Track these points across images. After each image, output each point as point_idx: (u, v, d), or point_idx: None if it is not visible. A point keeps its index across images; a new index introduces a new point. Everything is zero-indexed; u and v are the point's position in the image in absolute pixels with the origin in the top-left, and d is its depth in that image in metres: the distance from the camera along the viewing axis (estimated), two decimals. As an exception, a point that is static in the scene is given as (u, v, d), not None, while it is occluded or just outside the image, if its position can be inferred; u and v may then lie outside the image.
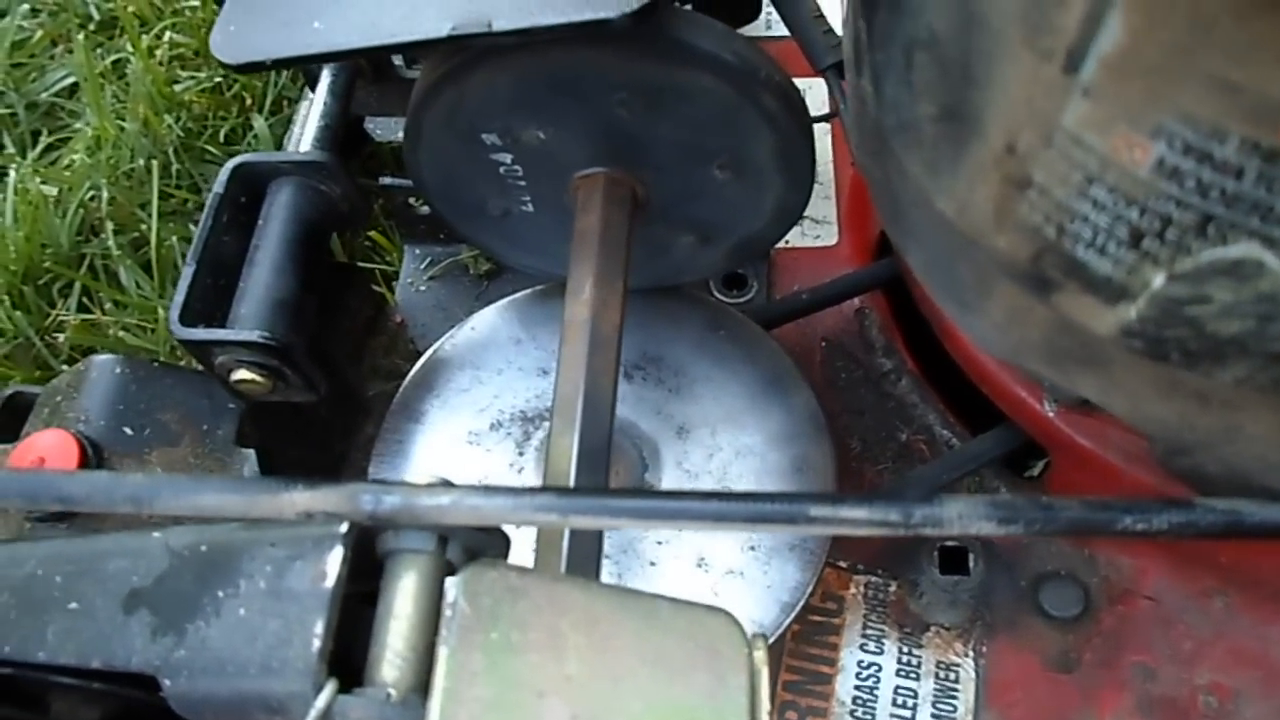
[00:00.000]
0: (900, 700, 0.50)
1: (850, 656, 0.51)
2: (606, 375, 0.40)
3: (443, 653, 0.27)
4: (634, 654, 0.29)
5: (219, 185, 0.44)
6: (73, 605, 0.31)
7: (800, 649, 0.51)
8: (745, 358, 0.51)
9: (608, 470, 0.39)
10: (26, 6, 0.95)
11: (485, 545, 0.30)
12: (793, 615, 0.45)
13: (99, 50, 0.92)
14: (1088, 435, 0.48)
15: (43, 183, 0.84)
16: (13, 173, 0.82)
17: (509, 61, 0.40)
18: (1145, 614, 0.51)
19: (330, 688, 0.27)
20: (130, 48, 0.90)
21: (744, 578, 0.46)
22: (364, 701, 0.26)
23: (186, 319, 0.41)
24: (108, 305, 0.77)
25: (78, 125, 0.90)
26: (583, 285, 0.42)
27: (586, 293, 0.42)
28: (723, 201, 0.46)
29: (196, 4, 0.93)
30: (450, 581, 0.28)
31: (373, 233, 0.71)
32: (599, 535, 0.38)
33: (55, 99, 0.93)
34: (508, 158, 0.44)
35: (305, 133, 0.47)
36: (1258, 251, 0.19)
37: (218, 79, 0.89)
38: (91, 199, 0.83)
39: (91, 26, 0.93)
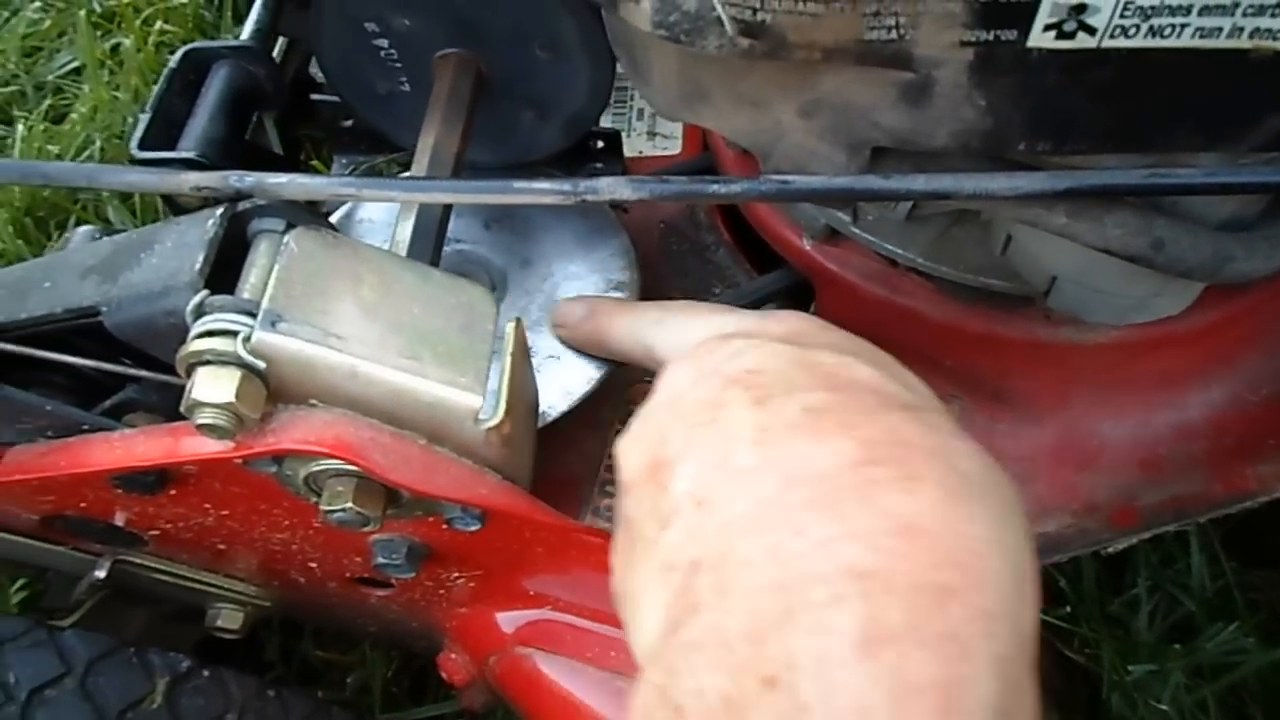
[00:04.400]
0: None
1: (660, 447, 0.67)
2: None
3: (275, 269, 0.44)
4: (410, 294, 0.47)
5: (173, 63, 0.62)
6: (47, 284, 0.49)
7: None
8: (579, 214, 0.69)
9: (439, 239, 0.56)
10: (37, 3, 1.16)
11: (319, 228, 0.47)
12: (595, 384, 0.61)
13: (100, 36, 1.12)
14: (835, 261, 0.65)
15: (49, 142, 1.04)
16: (20, 126, 1.01)
17: (378, -39, 0.58)
18: (894, 414, 0.67)
19: (204, 291, 0.44)
20: (127, 36, 1.11)
21: (560, 361, 0.63)
22: (224, 298, 0.43)
23: (144, 146, 0.59)
24: (96, 231, 0.96)
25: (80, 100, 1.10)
26: (431, 129, 0.60)
27: (433, 133, 0.59)
28: (548, 79, 0.63)
29: (185, -1, 1.14)
30: (287, 235, 0.45)
31: (315, 161, 0.90)
32: (438, 234, 0.55)
33: (61, 80, 1.14)
34: (385, 42, 0.63)
35: (244, 33, 0.66)
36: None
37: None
38: (87, 152, 1.03)
39: (94, 18, 1.14)
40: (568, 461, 0.67)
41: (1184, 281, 0.53)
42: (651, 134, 0.81)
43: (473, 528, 0.50)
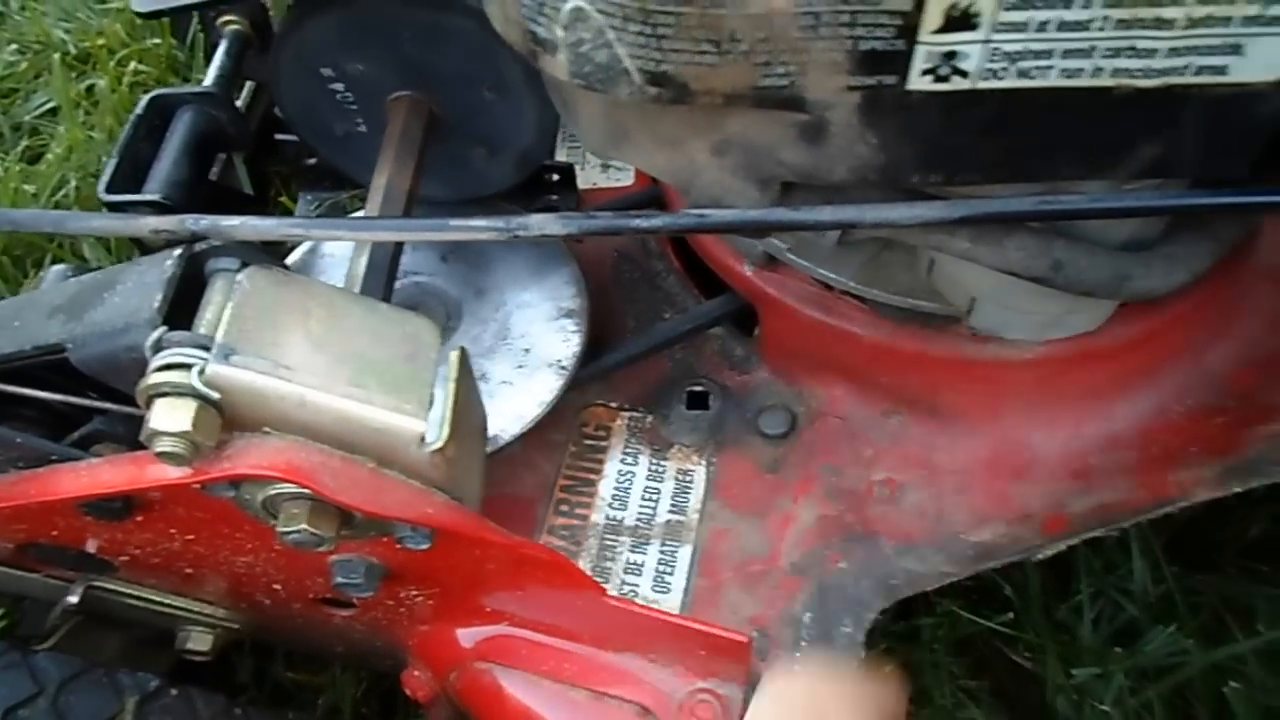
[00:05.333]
0: (648, 495, 0.69)
1: (612, 467, 0.70)
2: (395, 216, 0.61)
3: (229, 306, 0.47)
4: (358, 326, 0.50)
5: (139, 109, 0.66)
6: (16, 323, 0.52)
7: (575, 463, 0.71)
8: (531, 244, 0.72)
9: (391, 274, 0.59)
10: (13, 46, 1.20)
11: (271, 266, 0.50)
12: (546, 408, 0.65)
13: (75, 77, 1.16)
14: (775, 287, 0.69)
15: (25, 182, 1.07)
16: (-1, 168, 1.05)
17: (332, 10, 0.62)
18: (836, 430, 0.70)
19: (163, 328, 0.47)
20: (101, 77, 1.14)
21: (513, 386, 0.66)
22: (181, 333, 0.47)
23: (111, 190, 0.62)
24: (72, 270, 0.99)
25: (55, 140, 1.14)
26: (384, 168, 0.63)
27: (386, 172, 0.63)
28: (497, 117, 0.67)
29: (158, 40, 1.17)
30: (241, 274, 0.49)
31: (283, 198, 0.94)
32: (390, 269, 0.58)
33: (37, 121, 1.17)
34: (341, 86, 0.66)
35: (206, 80, 0.70)
36: (581, 3, 0.40)
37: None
38: (63, 191, 1.06)
39: (69, 60, 1.18)
40: (523, 483, 0.70)
41: (1095, 299, 0.57)
42: (605, 166, 0.85)
43: (423, 546, 0.53)
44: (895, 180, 0.45)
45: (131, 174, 0.64)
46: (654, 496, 0.69)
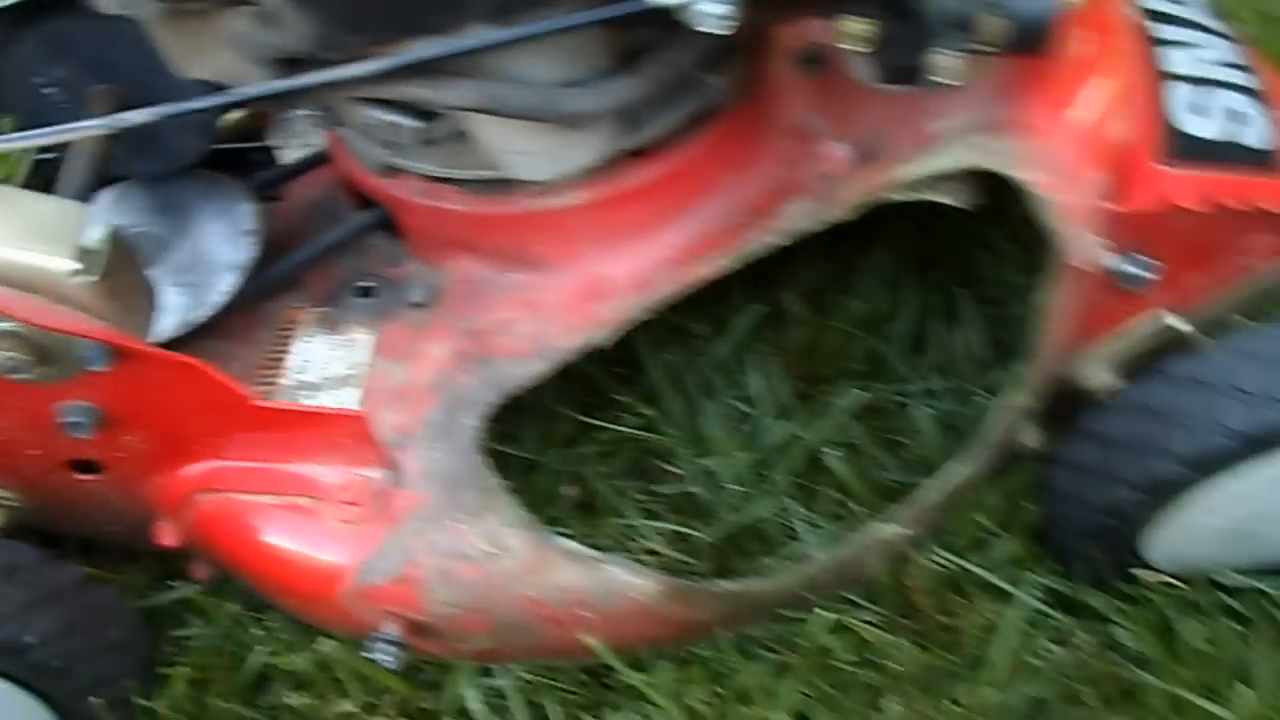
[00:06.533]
0: (323, 360, 0.95)
1: (299, 346, 0.97)
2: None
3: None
4: (28, 209, 0.77)
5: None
6: None
7: (271, 350, 0.97)
8: (220, 192, 1.00)
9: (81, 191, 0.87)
10: None
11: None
12: (227, 298, 0.92)
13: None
14: (396, 189, 0.96)
15: None
16: None
17: (29, 33, 0.91)
18: (464, 291, 0.97)
19: None
20: None
21: (205, 285, 0.93)
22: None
23: None
24: None
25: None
26: (82, 144, 0.92)
27: (83, 145, 0.91)
28: (171, 95, 0.96)
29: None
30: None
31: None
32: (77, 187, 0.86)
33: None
34: (53, 90, 0.95)
35: None
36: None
37: None
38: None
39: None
40: (231, 369, 0.96)
41: (570, 134, 0.85)
42: (305, 145, 1.13)
43: (103, 366, 0.79)
44: (337, 47, 0.73)
45: None
46: (330, 361, 0.95)
